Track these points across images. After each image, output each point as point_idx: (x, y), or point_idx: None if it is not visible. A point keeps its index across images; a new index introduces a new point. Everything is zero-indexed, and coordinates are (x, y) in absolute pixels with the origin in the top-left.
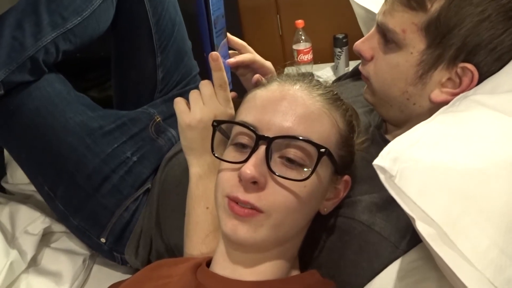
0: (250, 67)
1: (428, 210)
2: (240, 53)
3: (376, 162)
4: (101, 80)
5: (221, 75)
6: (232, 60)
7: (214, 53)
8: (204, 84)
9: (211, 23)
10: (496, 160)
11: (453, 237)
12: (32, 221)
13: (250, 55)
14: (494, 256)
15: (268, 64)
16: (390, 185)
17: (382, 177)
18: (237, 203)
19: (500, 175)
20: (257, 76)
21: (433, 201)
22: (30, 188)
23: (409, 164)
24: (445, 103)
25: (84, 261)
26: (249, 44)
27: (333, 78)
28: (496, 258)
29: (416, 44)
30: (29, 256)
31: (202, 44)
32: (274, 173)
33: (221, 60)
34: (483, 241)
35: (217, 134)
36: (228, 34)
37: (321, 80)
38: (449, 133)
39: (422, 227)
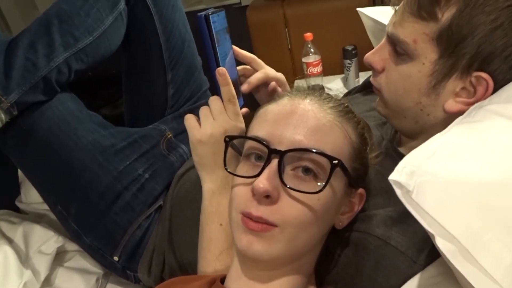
0: (264, 84)
1: (448, 226)
2: (250, 66)
3: (392, 177)
4: (112, 98)
5: (229, 89)
6: (245, 85)
7: (220, 68)
8: (213, 100)
9: (214, 41)
10: None
11: (475, 253)
12: (45, 241)
13: (261, 73)
14: None
15: (280, 75)
16: (407, 200)
17: (398, 192)
18: (251, 218)
19: None
20: (273, 84)
21: (452, 216)
22: (44, 207)
23: (426, 178)
24: (460, 113)
25: (97, 280)
26: (259, 58)
27: (344, 89)
28: None
29: (428, 54)
30: (42, 276)
31: (208, 61)
32: (287, 186)
33: (227, 74)
34: (507, 256)
35: (229, 149)
36: (236, 48)
37: (331, 93)
38: (466, 144)
39: (442, 244)
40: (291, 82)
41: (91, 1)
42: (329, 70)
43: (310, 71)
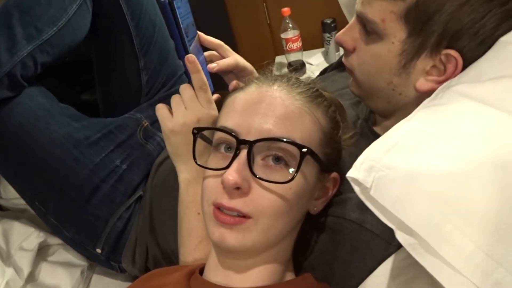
0: (232, 71)
1: (407, 220)
2: (218, 52)
3: (350, 174)
4: (93, 83)
5: (199, 76)
6: (214, 66)
7: (190, 55)
8: (184, 88)
9: (180, 27)
10: (478, 160)
11: (435, 245)
12: (26, 237)
13: (232, 59)
14: (480, 260)
15: (249, 66)
16: (366, 197)
17: (356, 189)
18: (222, 210)
19: (482, 175)
20: (234, 83)
21: (412, 210)
22: (23, 202)
23: (385, 173)
24: (431, 91)
25: (82, 272)
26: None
27: (325, 63)
28: (481, 263)
29: (397, 33)
30: (25, 272)
31: (176, 48)
32: (257, 176)
33: (197, 61)
34: (467, 246)
35: (200, 141)
36: (201, 34)
37: (312, 68)
38: (429, 133)
39: (402, 237)
40: (261, 69)
41: None
42: (309, 44)
43: (290, 47)
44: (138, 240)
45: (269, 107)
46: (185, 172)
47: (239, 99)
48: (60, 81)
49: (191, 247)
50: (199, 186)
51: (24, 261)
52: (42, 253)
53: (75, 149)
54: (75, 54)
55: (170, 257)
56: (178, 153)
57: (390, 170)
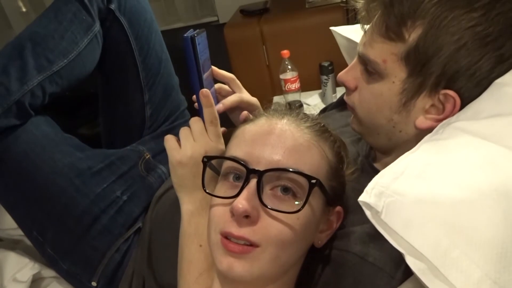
0: (238, 107)
1: (416, 244)
2: (228, 86)
3: (362, 198)
4: (91, 117)
5: (212, 111)
6: (220, 106)
7: (204, 90)
8: (194, 121)
9: (199, 62)
10: (481, 188)
11: (444, 270)
12: (20, 268)
13: (236, 96)
14: (487, 287)
15: (255, 100)
16: (377, 221)
17: (368, 213)
18: (230, 239)
19: (486, 204)
20: (245, 113)
21: (420, 234)
22: (19, 233)
23: (394, 198)
24: (431, 129)
25: None
26: (237, 76)
27: (321, 105)
28: None
29: (398, 74)
30: None
31: (191, 82)
32: (266, 206)
33: (211, 96)
34: (475, 272)
35: (208, 170)
36: (215, 68)
37: (309, 109)
38: (433, 163)
39: (412, 262)
40: (269, 99)
41: (65, 23)
42: (306, 86)
43: (288, 87)
44: (135, 273)
45: (279, 139)
46: (189, 203)
47: (249, 130)
48: (58, 114)
49: (191, 279)
50: (201, 218)
51: None
52: (35, 285)
53: (77, 179)
54: (76, 88)
55: None
56: (183, 184)
57: (399, 196)
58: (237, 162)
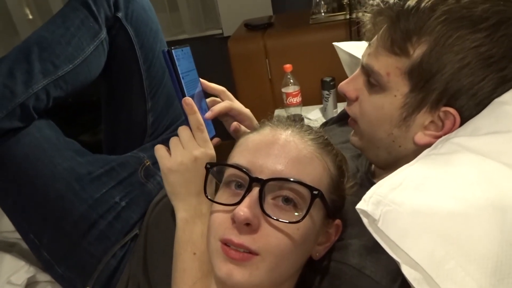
0: (228, 114)
1: (412, 253)
2: (220, 98)
3: (359, 206)
4: (92, 125)
5: (196, 117)
6: (209, 113)
7: (186, 98)
8: (182, 129)
9: (178, 73)
10: (477, 202)
11: (439, 281)
12: (15, 271)
13: (226, 103)
14: None
15: (246, 111)
16: (374, 229)
17: (365, 221)
18: (230, 246)
19: (482, 217)
20: (235, 124)
21: (416, 244)
22: (15, 236)
23: (392, 208)
24: (429, 145)
25: None
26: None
27: (322, 119)
28: None
29: (400, 88)
30: None
31: (176, 93)
32: (268, 215)
33: (194, 103)
34: (469, 284)
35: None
36: (204, 81)
37: (310, 123)
38: (431, 176)
39: (407, 271)
40: (271, 112)
41: (73, 29)
42: (308, 100)
43: (290, 101)
44: (130, 279)
45: (282, 149)
46: (183, 211)
47: (253, 140)
48: (60, 121)
49: None
50: (195, 225)
51: None
52: None
53: (77, 183)
54: (78, 96)
55: None
56: (176, 192)
57: (396, 206)
58: (240, 170)
